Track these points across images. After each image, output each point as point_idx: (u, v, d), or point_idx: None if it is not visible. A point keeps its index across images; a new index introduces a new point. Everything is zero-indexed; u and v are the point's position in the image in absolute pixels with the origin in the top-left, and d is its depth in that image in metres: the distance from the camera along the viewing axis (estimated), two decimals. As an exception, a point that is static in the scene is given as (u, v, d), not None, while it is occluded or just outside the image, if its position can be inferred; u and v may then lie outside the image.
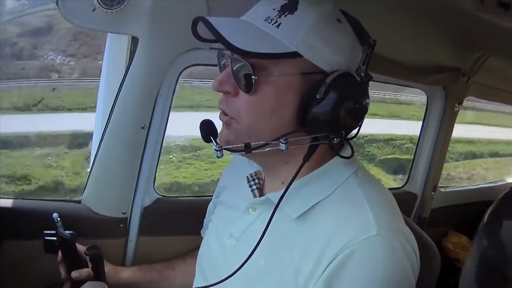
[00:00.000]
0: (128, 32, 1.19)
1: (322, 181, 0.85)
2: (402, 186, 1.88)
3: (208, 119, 0.88)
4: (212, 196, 1.15)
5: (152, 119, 1.25)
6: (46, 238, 1.18)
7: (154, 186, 1.34)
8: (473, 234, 1.17)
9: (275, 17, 0.79)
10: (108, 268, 1.17)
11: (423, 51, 1.50)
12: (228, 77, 0.81)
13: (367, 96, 0.82)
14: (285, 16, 0.79)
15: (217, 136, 0.86)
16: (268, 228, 0.81)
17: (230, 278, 0.83)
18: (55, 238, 1.12)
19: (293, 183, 0.81)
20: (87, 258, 1.10)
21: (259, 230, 0.82)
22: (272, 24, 0.79)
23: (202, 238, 1.30)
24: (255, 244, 0.81)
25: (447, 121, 1.75)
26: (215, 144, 0.84)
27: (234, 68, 0.81)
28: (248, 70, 0.78)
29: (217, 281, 0.86)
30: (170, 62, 1.21)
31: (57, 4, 1.06)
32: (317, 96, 0.78)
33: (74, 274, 1.09)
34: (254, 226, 0.91)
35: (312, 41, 0.78)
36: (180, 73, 1.25)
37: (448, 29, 1.46)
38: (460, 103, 1.75)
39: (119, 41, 1.40)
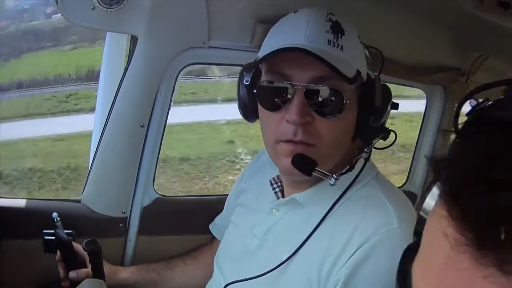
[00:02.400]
0: (127, 31, 1.19)
1: (347, 182, 0.89)
2: (402, 186, 1.88)
3: (299, 153, 0.84)
4: (212, 196, 1.15)
5: (151, 118, 1.25)
6: (46, 238, 1.18)
7: (153, 185, 1.34)
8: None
9: (334, 39, 0.83)
10: (106, 268, 1.17)
11: (423, 51, 1.50)
12: (304, 106, 0.82)
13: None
14: (341, 38, 0.83)
15: (317, 164, 0.84)
16: (293, 226, 0.86)
17: (254, 275, 0.87)
18: (54, 238, 1.12)
19: (318, 184, 0.88)
20: (86, 253, 1.09)
21: (283, 230, 0.86)
22: (336, 47, 0.83)
23: (202, 237, 1.32)
24: (294, 250, 0.86)
25: (446, 120, 1.75)
26: (325, 174, 0.85)
27: (318, 96, 0.82)
28: (340, 96, 0.82)
29: (236, 279, 0.90)
30: (169, 61, 1.21)
31: (56, 3, 1.06)
32: (376, 104, 0.84)
33: (72, 274, 1.09)
34: (277, 226, 0.94)
35: (361, 58, 0.86)
36: (179, 72, 1.25)
37: (447, 29, 1.45)
38: (460, 102, 1.75)
39: (118, 40, 1.40)
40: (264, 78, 0.87)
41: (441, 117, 1.74)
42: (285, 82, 0.82)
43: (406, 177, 1.88)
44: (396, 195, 0.90)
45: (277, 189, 0.98)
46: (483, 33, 1.39)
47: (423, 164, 1.82)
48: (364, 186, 0.89)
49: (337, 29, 0.83)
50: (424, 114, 1.78)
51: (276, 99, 0.84)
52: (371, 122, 0.86)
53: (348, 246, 0.81)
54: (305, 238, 0.87)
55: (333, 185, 0.84)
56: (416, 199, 1.86)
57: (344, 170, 0.88)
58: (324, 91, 0.82)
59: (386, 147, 0.92)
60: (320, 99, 0.82)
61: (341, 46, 0.83)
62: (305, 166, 0.84)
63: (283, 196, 0.97)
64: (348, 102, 0.83)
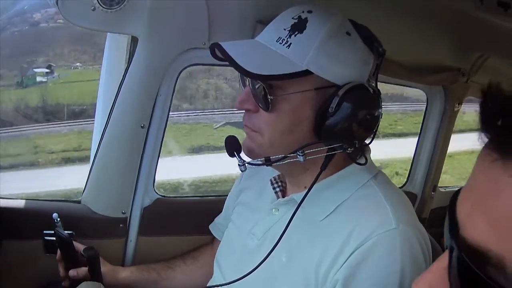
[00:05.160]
0: (128, 32, 1.19)
1: (344, 183, 0.89)
2: (402, 186, 1.88)
3: (232, 135, 0.93)
4: (212, 196, 1.15)
5: (151, 119, 1.25)
6: (46, 238, 1.18)
7: (153, 186, 1.34)
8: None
9: (285, 37, 0.83)
10: (106, 268, 1.18)
11: (423, 51, 1.50)
12: (248, 95, 0.86)
13: (379, 106, 0.86)
14: (295, 36, 0.83)
15: (241, 151, 0.91)
16: (291, 226, 0.85)
17: (253, 274, 0.86)
18: (54, 238, 1.12)
19: (315, 185, 0.85)
20: (84, 259, 1.11)
21: (282, 230, 0.85)
22: (283, 45, 0.83)
23: (202, 237, 1.32)
24: (276, 241, 0.84)
25: (447, 121, 1.75)
26: (239, 159, 0.89)
27: (253, 88, 0.85)
28: (265, 91, 0.83)
29: (236, 278, 0.89)
30: (169, 62, 1.21)
31: (57, 4, 1.06)
32: (330, 109, 0.82)
33: (72, 272, 1.10)
34: (277, 225, 0.94)
35: (321, 59, 0.82)
36: (180, 73, 1.25)
37: (448, 29, 1.46)
38: (460, 103, 1.76)
39: (119, 41, 1.40)
40: None
41: (442, 118, 1.74)
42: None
43: (406, 178, 1.88)
44: (395, 196, 0.89)
45: (277, 189, 0.98)
46: (483, 33, 1.39)
47: (423, 165, 1.82)
48: (362, 186, 0.89)
49: (297, 27, 0.83)
50: (425, 115, 1.78)
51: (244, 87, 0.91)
52: (324, 126, 0.83)
53: (346, 248, 0.81)
54: (297, 237, 0.87)
55: (243, 171, 0.89)
56: (416, 199, 1.86)
57: (259, 161, 0.87)
58: (255, 85, 0.84)
59: (361, 164, 0.89)
60: (255, 92, 0.85)
61: (290, 44, 0.83)
62: (230, 147, 0.92)
63: (283, 196, 0.97)
64: (272, 98, 0.83)
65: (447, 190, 2.04)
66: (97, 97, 1.58)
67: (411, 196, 1.84)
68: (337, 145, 0.83)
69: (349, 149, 0.83)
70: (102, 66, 1.51)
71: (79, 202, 1.31)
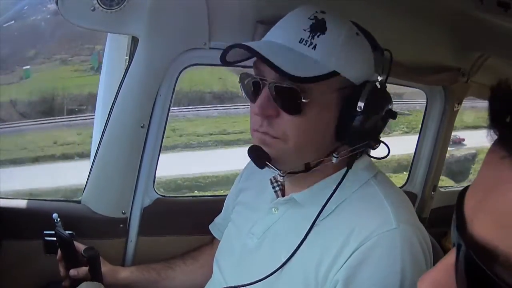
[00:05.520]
0: (128, 32, 1.19)
1: (344, 183, 0.89)
2: (402, 186, 1.88)
3: (255, 145, 0.88)
4: (212, 196, 1.14)
5: (151, 119, 1.25)
6: (46, 238, 1.18)
7: (153, 186, 1.34)
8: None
9: (308, 38, 0.83)
10: (106, 268, 1.18)
11: (423, 51, 1.50)
12: (268, 101, 0.84)
13: (392, 103, 0.88)
14: (318, 37, 0.83)
15: (271, 159, 0.87)
16: (290, 226, 0.86)
17: (254, 275, 0.86)
18: (55, 239, 1.13)
19: (316, 184, 0.88)
20: (85, 259, 1.11)
21: (282, 229, 0.86)
22: (308, 46, 0.83)
23: (202, 237, 1.32)
24: (291, 253, 0.85)
25: (447, 121, 1.75)
26: (276, 169, 0.87)
27: (279, 92, 0.83)
28: (296, 94, 0.82)
29: (236, 278, 0.90)
30: (169, 62, 1.21)
31: (56, 4, 1.06)
32: (358, 109, 0.82)
33: (73, 272, 1.11)
34: (276, 225, 0.95)
35: (345, 59, 0.83)
36: (180, 73, 1.25)
37: (448, 29, 1.46)
38: (460, 103, 1.76)
39: (119, 41, 1.40)
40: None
41: (442, 118, 1.74)
42: (257, 76, 0.86)
43: (406, 177, 1.88)
44: (396, 195, 0.89)
45: (277, 188, 0.98)
46: (483, 33, 1.39)
47: (423, 165, 1.82)
48: (362, 186, 0.89)
49: (317, 28, 0.83)
50: (424, 115, 1.78)
51: (252, 91, 0.88)
52: (352, 126, 0.83)
53: (346, 247, 0.81)
54: (301, 238, 0.87)
55: (283, 181, 0.88)
56: (416, 199, 1.86)
57: (296, 170, 0.87)
58: (284, 89, 0.83)
59: (380, 158, 0.91)
60: (283, 95, 0.83)
61: (315, 45, 0.82)
62: (258, 158, 0.88)
63: (283, 195, 0.97)
64: (306, 101, 0.82)
65: (447, 190, 2.04)
66: (97, 97, 1.58)
67: (411, 196, 1.84)
68: (365, 143, 0.85)
69: (374, 146, 0.85)
70: (103, 66, 1.52)
71: (79, 202, 1.31)
